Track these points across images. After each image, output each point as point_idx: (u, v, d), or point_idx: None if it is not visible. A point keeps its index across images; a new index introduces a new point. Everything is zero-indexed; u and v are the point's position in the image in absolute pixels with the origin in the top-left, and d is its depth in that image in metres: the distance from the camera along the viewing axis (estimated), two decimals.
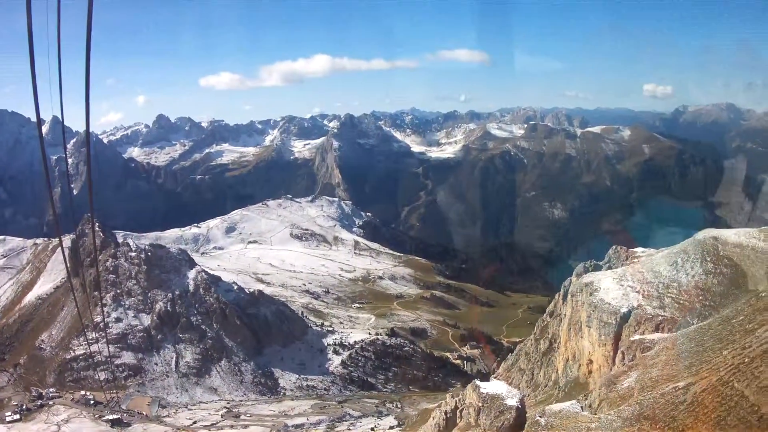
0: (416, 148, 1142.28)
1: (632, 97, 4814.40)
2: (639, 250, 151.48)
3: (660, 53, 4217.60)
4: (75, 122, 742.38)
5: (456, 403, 73.34)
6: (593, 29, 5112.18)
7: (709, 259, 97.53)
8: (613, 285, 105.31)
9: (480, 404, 59.34)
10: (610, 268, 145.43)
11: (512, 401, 56.28)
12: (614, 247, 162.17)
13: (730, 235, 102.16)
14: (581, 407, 55.13)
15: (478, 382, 63.10)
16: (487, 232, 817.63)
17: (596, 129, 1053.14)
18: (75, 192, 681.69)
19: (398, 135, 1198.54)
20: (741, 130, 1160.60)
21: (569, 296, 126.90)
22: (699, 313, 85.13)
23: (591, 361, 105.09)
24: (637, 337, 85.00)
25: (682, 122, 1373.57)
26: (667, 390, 45.75)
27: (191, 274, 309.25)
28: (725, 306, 75.55)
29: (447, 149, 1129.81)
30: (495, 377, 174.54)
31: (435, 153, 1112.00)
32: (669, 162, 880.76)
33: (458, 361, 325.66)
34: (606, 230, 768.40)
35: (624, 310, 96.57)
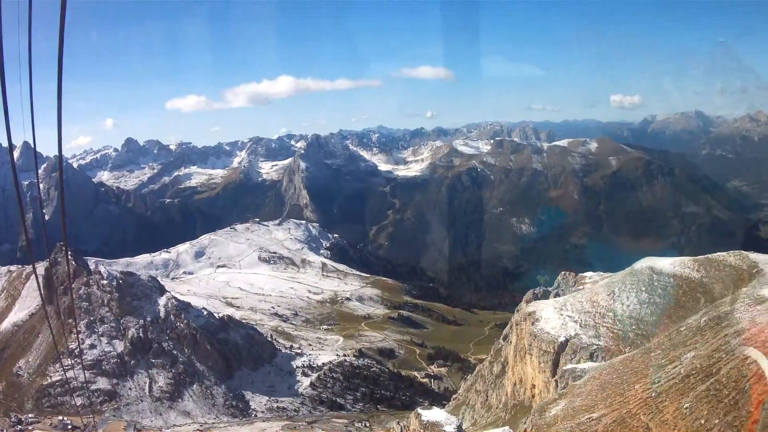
0: (383, 166, 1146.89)
1: (600, 108, 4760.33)
2: (588, 274, 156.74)
3: (627, 63, 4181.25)
4: (45, 147, 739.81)
5: (401, 429, 78.47)
6: (559, 41, 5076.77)
7: (644, 289, 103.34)
8: (554, 314, 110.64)
9: (421, 431, 64.77)
10: (558, 294, 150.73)
11: (450, 428, 61.86)
12: (563, 273, 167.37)
13: (665, 265, 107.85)
14: None
15: (420, 410, 68.66)
16: (455, 250, 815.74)
17: (563, 142, 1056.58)
18: (47, 217, 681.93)
19: (365, 154, 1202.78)
20: (710, 138, 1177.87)
21: (514, 324, 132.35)
22: (632, 342, 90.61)
23: (534, 386, 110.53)
24: (569, 366, 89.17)
25: (650, 132, 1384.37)
26: (583, 420, 51.44)
27: (162, 300, 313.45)
28: (656, 335, 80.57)
29: (414, 167, 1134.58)
30: (455, 398, 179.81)
31: (402, 171, 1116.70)
32: (637, 173, 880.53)
33: (425, 380, 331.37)
34: (572, 246, 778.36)
35: (561, 339, 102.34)
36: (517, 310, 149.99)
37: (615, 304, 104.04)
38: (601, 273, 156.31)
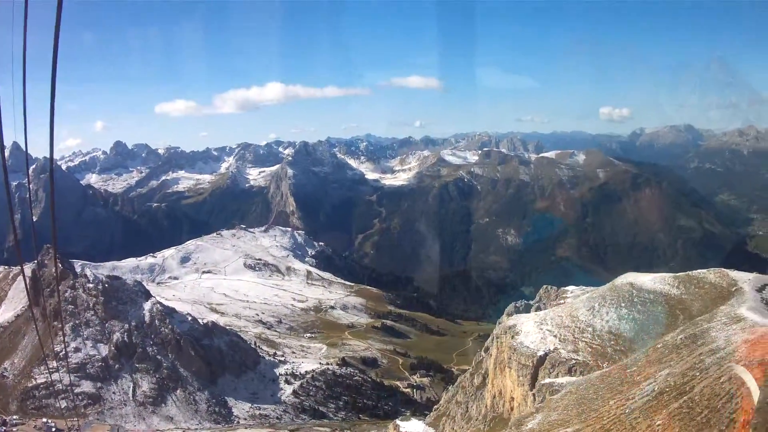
0: (370, 175, 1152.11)
1: (589, 120, 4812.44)
2: (569, 288, 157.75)
3: (617, 76, 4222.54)
4: (35, 148, 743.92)
5: None
6: (549, 54, 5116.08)
7: (623, 304, 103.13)
8: (534, 328, 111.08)
9: None
10: (539, 308, 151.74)
11: None
12: (545, 287, 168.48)
13: (645, 281, 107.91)
14: None
15: (398, 421, 69.77)
16: (441, 260, 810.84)
17: (550, 154, 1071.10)
18: (34, 218, 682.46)
19: (352, 162, 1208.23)
20: (699, 152, 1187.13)
21: (495, 338, 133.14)
22: (610, 358, 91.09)
23: (513, 399, 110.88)
24: (547, 380, 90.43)
25: (639, 145, 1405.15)
26: None
27: (147, 305, 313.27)
28: (635, 351, 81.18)
29: (401, 176, 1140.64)
30: (436, 408, 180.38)
31: (389, 180, 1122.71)
32: (624, 186, 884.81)
33: (408, 390, 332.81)
34: (558, 257, 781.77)
35: (540, 353, 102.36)
36: (499, 323, 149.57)
37: (594, 319, 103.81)
38: (583, 287, 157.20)
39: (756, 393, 37.40)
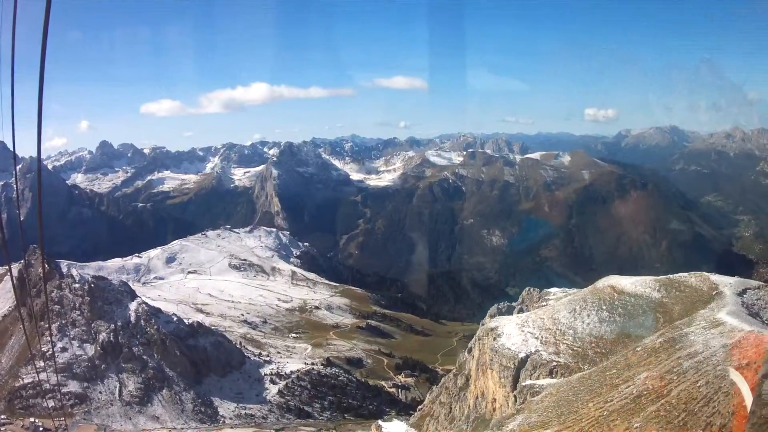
0: (355, 176, 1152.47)
1: (575, 121, 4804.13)
2: (552, 290, 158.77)
3: (602, 77, 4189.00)
4: (21, 148, 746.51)
5: None
6: (535, 55, 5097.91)
7: (604, 307, 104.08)
8: (516, 330, 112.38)
9: None
10: (522, 310, 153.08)
11: None
12: (527, 289, 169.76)
13: (626, 284, 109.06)
14: None
15: (380, 422, 70.13)
16: (425, 260, 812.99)
17: (535, 155, 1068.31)
18: (21, 218, 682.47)
19: (337, 163, 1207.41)
20: (684, 153, 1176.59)
21: (477, 339, 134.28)
22: (590, 360, 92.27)
23: (495, 400, 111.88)
24: (528, 382, 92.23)
25: (624, 146, 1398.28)
26: None
27: (132, 305, 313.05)
28: (615, 353, 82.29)
29: (386, 177, 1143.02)
30: (420, 408, 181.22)
31: (374, 181, 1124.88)
32: (609, 187, 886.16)
33: (393, 390, 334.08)
34: (543, 259, 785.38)
35: (522, 355, 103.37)
36: (482, 324, 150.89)
37: (576, 321, 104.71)
38: (566, 289, 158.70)
39: (746, 395, 38.45)
